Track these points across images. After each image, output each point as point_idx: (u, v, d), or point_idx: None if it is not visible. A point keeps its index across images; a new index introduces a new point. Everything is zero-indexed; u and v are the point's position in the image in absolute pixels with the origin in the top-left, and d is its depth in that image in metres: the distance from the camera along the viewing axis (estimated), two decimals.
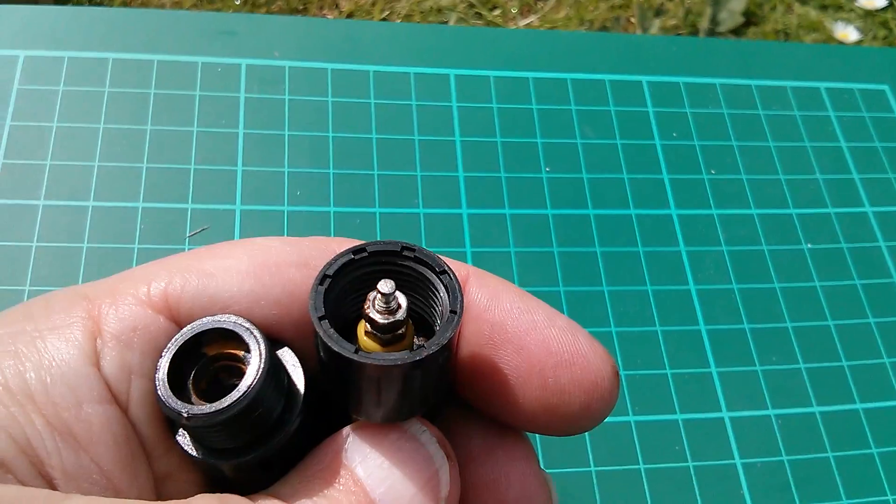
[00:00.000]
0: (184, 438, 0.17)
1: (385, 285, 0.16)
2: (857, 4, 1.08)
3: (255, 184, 0.33)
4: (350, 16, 1.05)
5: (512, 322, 0.18)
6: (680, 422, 0.31)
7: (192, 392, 0.17)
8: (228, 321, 0.17)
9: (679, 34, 1.06)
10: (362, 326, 0.17)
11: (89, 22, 0.36)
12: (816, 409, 0.33)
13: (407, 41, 0.39)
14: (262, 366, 0.16)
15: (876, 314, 0.36)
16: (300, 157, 0.34)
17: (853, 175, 0.39)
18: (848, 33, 1.00)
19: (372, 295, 0.16)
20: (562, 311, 0.32)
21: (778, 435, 0.32)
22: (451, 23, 1.04)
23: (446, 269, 0.16)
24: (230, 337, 0.17)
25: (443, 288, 0.16)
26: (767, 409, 0.32)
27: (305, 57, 0.37)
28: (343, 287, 0.17)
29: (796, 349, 0.34)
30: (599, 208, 0.35)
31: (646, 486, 0.30)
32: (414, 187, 0.34)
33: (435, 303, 0.17)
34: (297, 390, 0.17)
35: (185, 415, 0.15)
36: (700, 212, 0.36)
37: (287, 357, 0.18)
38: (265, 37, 0.37)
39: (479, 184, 0.35)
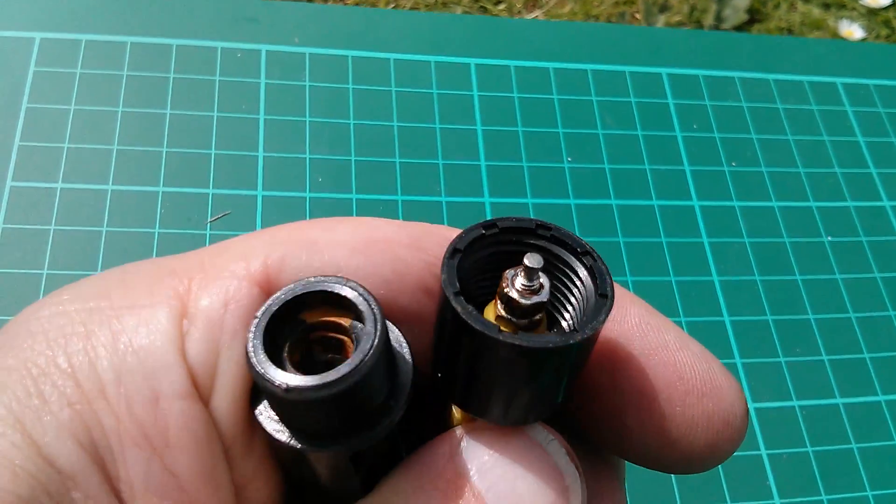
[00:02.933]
0: (268, 420, 0.14)
1: (532, 259, 0.14)
2: (860, 3, 1.08)
3: (276, 170, 0.33)
4: (356, 7, 1.05)
5: (640, 338, 0.16)
6: None
7: (286, 364, 0.14)
8: (339, 283, 0.14)
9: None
10: (492, 310, 0.15)
11: (107, 5, 0.36)
12: (840, 400, 0.33)
13: (427, 30, 0.38)
14: (377, 338, 0.13)
15: None
16: (321, 144, 0.34)
17: (871, 169, 0.39)
18: (853, 31, 1.00)
19: (510, 273, 0.14)
20: None
21: (802, 426, 0.32)
22: None
23: (588, 249, 0.14)
24: (337, 303, 0.14)
25: (585, 271, 0.15)
26: (792, 400, 0.32)
27: (326, 44, 0.36)
28: (471, 265, 0.15)
29: (819, 341, 0.34)
30: (622, 198, 0.35)
31: (673, 478, 0.30)
32: (436, 175, 0.34)
33: (572, 289, 0.15)
34: (405, 376, 0.15)
35: (284, 387, 0.13)
36: (722, 203, 0.36)
37: (396, 338, 0.16)
38: (285, 23, 0.37)
39: (501, 173, 0.35)
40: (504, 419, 0.15)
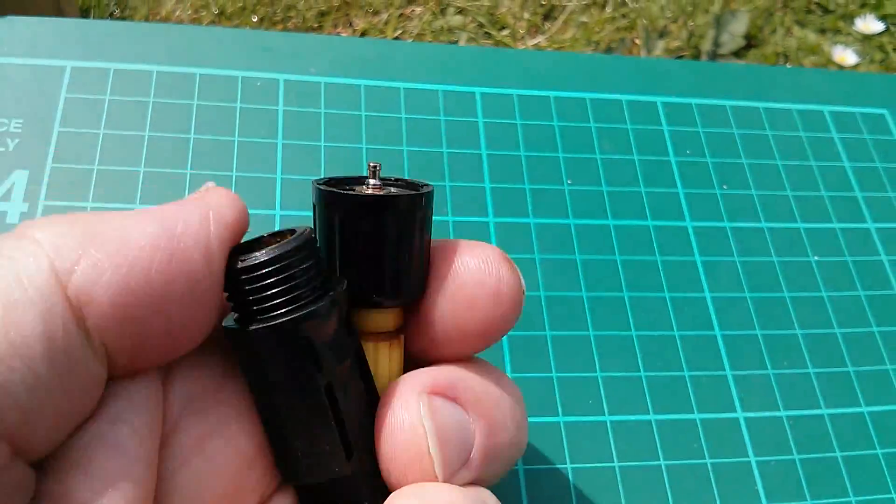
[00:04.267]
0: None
1: (373, 163, 0.20)
2: (854, 29, 1.11)
3: (293, 191, 0.35)
4: (364, 34, 1.08)
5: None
6: (697, 421, 0.33)
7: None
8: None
9: (682, 55, 1.09)
10: None
11: (135, 36, 0.38)
12: (825, 410, 0.34)
13: (436, 60, 0.41)
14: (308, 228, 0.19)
15: (879, 323, 0.37)
16: (336, 167, 0.36)
17: (856, 193, 0.41)
18: (846, 56, 1.03)
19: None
20: (585, 318, 0.34)
21: (789, 434, 0.34)
22: (462, 42, 1.06)
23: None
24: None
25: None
26: (779, 410, 0.34)
27: (340, 73, 0.39)
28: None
29: (805, 354, 0.36)
30: (619, 219, 0.37)
31: (666, 481, 0.32)
32: (443, 196, 0.36)
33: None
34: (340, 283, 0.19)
35: (258, 259, 0.17)
36: (714, 224, 0.38)
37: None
38: (302, 54, 0.39)
39: (504, 194, 0.37)
40: (406, 291, 0.20)
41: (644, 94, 0.42)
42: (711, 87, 0.43)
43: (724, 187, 0.39)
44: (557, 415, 0.32)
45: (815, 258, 0.39)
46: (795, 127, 0.43)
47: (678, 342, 0.35)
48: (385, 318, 0.21)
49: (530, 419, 0.32)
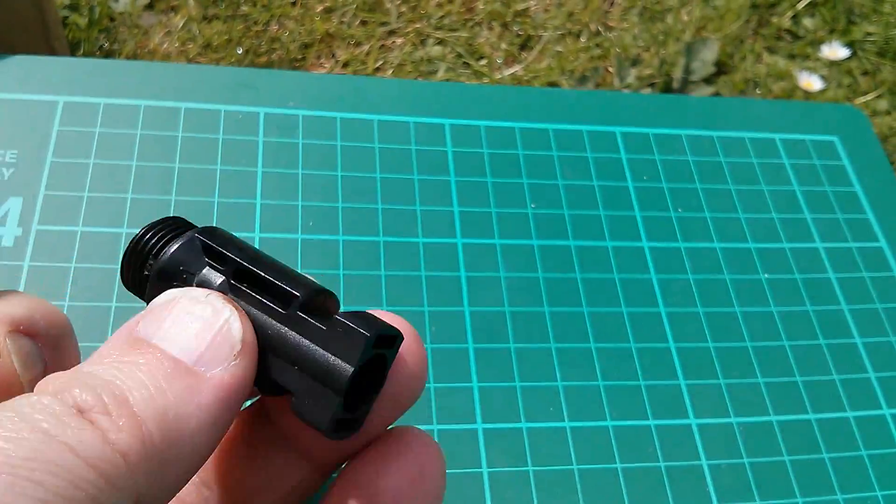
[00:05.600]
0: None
1: None
2: (821, 55, 1.15)
3: (272, 215, 0.37)
4: (346, 65, 1.11)
5: None
6: (652, 427, 0.35)
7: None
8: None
9: (654, 83, 1.13)
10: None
11: (123, 73, 0.41)
12: (773, 417, 0.37)
13: (408, 95, 0.43)
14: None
15: (826, 336, 0.40)
16: (313, 193, 0.38)
17: (805, 215, 0.44)
18: (812, 82, 1.07)
19: None
20: (547, 332, 0.36)
21: (739, 440, 0.36)
22: (441, 72, 1.10)
23: None
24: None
25: None
26: (730, 417, 0.36)
27: (317, 107, 0.41)
28: None
29: (755, 365, 0.38)
30: (579, 240, 0.40)
31: (622, 483, 0.34)
32: (414, 220, 0.39)
33: None
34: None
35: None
36: (669, 244, 0.41)
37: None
38: (281, 89, 0.42)
39: (471, 217, 0.39)
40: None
41: (603, 124, 0.44)
42: (668, 118, 0.46)
43: (679, 210, 0.42)
44: (520, 421, 0.34)
45: (766, 276, 0.41)
46: (748, 154, 0.46)
47: (634, 354, 0.37)
48: None
49: (495, 425, 0.34)
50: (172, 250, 0.20)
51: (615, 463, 0.34)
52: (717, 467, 0.35)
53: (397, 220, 0.39)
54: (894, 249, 0.44)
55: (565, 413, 0.35)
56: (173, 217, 0.21)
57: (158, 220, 0.21)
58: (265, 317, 0.19)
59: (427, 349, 0.35)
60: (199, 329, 0.17)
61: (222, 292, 0.19)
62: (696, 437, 0.35)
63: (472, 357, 0.35)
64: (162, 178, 0.38)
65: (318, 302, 0.20)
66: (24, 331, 0.19)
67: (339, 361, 0.18)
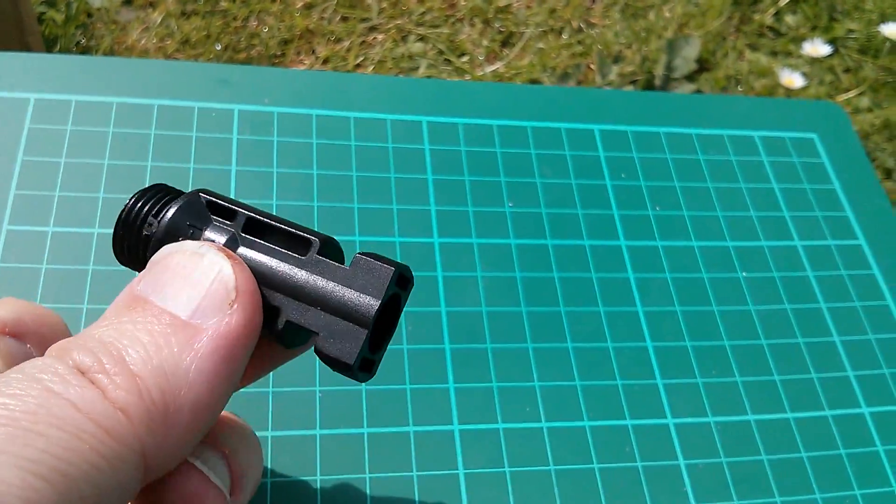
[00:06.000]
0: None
1: None
2: (803, 52, 1.15)
3: None
4: (326, 61, 1.10)
5: None
6: (629, 426, 0.35)
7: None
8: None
9: (636, 80, 1.13)
10: None
11: (95, 70, 0.40)
12: (751, 416, 0.37)
13: (384, 92, 0.43)
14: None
15: (804, 335, 0.40)
16: (288, 192, 0.38)
17: (784, 213, 0.44)
18: (793, 80, 1.07)
19: None
20: (524, 332, 0.36)
21: (717, 439, 0.36)
22: (422, 69, 1.09)
23: None
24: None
25: None
26: (708, 416, 0.36)
27: (293, 104, 0.41)
28: None
29: (733, 364, 0.38)
30: (557, 239, 0.39)
31: (599, 483, 0.33)
32: (390, 219, 0.38)
33: None
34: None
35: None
36: (646, 243, 0.40)
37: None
38: (256, 86, 0.41)
39: (449, 216, 0.39)
40: None
41: (582, 122, 0.44)
42: (647, 116, 0.46)
43: (657, 208, 0.42)
44: (497, 422, 0.34)
45: (744, 274, 0.41)
46: (726, 151, 0.45)
47: (612, 353, 0.37)
48: None
49: (472, 426, 0.34)
50: (174, 210, 0.20)
51: (592, 463, 0.34)
52: (695, 467, 0.35)
53: (374, 219, 0.38)
54: (873, 247, 0.44)
55: (542, 413, 0.34)
56: (159, 184, 0.21)
57: (146, 188, 0.21)
58: (282, 263, 0.19)
59: (403, 350, 0.34)
60: (195, 281, 0.18)
61: (229, 246, 0.19)
62: (674, 436, 0.35)
63: (448, 358, 0.35)
64: (135, 177, 0.37)
65: (333, 247, 0.20)
66: (11, 332, 0.20)
67: (364, 297, 0.18)
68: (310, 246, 0.20)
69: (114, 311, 0.18)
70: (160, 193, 0.21)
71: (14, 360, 0.19)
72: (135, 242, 0.21)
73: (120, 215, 0.21)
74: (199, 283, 0.18)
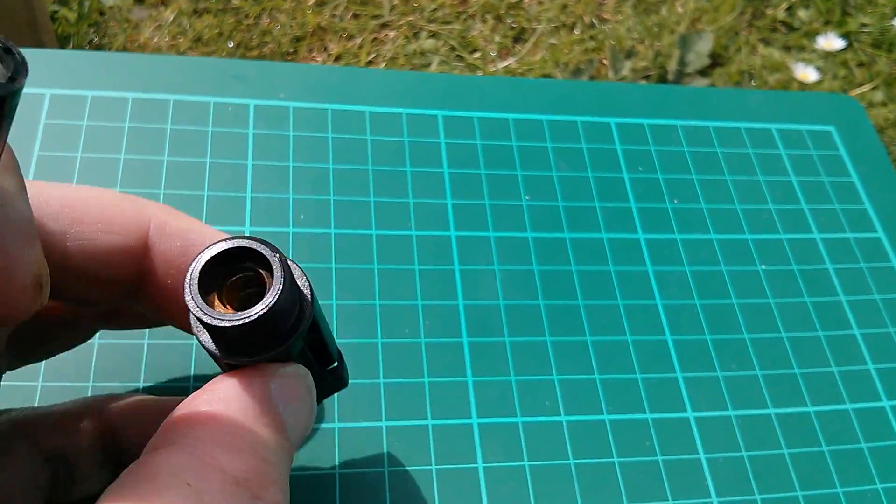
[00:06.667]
0: (203, 335, 0.19)
1: None
2: (817, 46, 1.15)
3: (262, 208, 0.37)
4: (338, 58, 1.10)
5: None
6: (650, 420, 0.35)
7: (216, 301, 0.19)
8: (253, 242, 0.19)
9: (649, 75, 1.12)
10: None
11: (111, 65, 0.40)
12: (772, 410, 0.36)
13: (399, 86, 0.43)
14: (282, 284, 0.18)
15: (824, 328, 0.39)
16: (304, 186, 0.38)
17: (802, 206, 0.43)
18: (808, 74, 1.06)
19: None
20: (542, 325, 0.35)
21: (738, 433, 0.35)
22: (434, 65, 1.09)
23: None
24: (250, 257, 0.19)
25: None
26: (728, 410, 0.36)
27: (308, 99, 0.41)
28: None
29: (753, 357, 0.37)
30: (574, 232, 0.39)
31: (619, 477, 0.33)
32: (407, 212, 0.38)
33: None
34: (307, 303, 0.20)
35: (220, 324, 0.17)
36: (665, 236, 0.40)
37: (299, 275, 0.20)
38: (271, 81, 0.41)
39: (465, 210, 0.39)
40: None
41: (598, 115, 0.44)
42: (663, 109, 0.45)
43: (675, 202, 0.42)
44: (516, 416, 0.34)
45: (763, 267, 0.41)
46: (744, 144, 0.45)
47: (631, 346, 0.36)
48: None
49: (491, 420, 0.33)
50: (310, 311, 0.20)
51: (612, 457, 0.33)
52: (716, 461, 0.34)
53: (390, 212, 0.38)
54: (892, 240, 0.43)
55: (561, 407, 0.34)
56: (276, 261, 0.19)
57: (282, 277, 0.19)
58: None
59: (421, 343, 0.34)
60: (307, 418, 0.20)
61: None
62: (694, 430, 0.35)
63: (466, 351, 0.35)
64: (151, 172, 0.37)
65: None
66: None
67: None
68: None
69: (245, 409, 0.18)
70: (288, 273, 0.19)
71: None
72: (279, 336, 0.19)
73: (276, 304, 0.18)
74: (308, 419, 0.20)
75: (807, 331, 0.39)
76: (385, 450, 0.32)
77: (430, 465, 0.32)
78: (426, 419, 0.33)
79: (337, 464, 0.31)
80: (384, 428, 0.32)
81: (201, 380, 0.32)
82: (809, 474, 0.35)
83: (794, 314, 0.40)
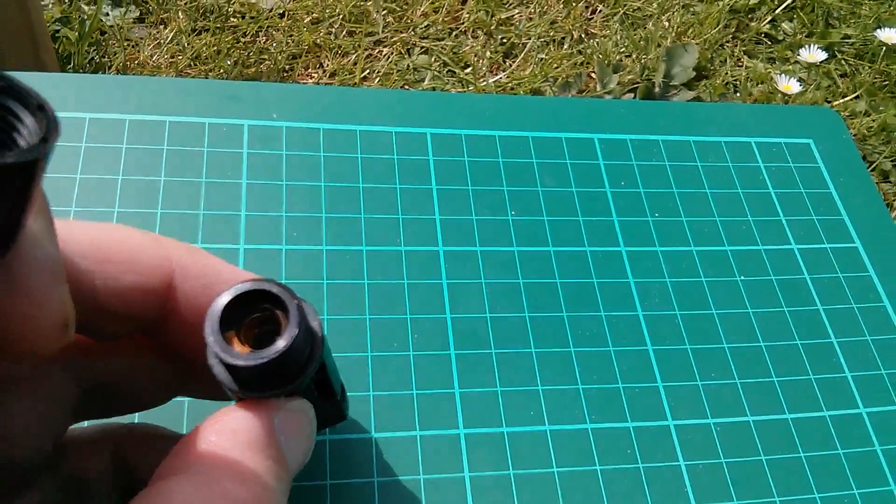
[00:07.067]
0: (218, 367, 0.20)
1: None
2: (800, 58, 1.16)
3: (256, 226, 0.38)
4: (333, 75, 1.12)
5: None
6: (631, 428, 0.36)
7: (234, 340, 0.20)
8: (269, 284, 0.20)
9: (635, 88, 1.14)
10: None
11: (109, 88, 0.41)
12: (750, 417, 0.37)
13: (389, 105, 0.44)
14: (297, 328, 0.19)
15: (802, 337, 0.41)
16: (296, 203, 0.39)
17: (780, 217, 0.45)
18: (791, 85, 1.08)
19: None
20: (527, 336, 0.37)
21: (717, 440, 0.36)
22: (427, 80, 1.11)
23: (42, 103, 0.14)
24: (266, 298, 0.20)
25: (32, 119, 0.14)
26: (708, 417, 0.37)
27: (301, 118, 0.42)
28: None
29: (732, 366, 0.39)
30: (558, 246, 0.40)
31: (602, 485, 0.34)
32: (396, 228, 0.39)
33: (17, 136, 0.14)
34: (318, 343, 0.21)
35: (238, 365, 0.19)
36: (646, 248, 0.41)
37: (310, 312, 0.22)
38: (264, 101, 0.42)
39: (453, 225, 0.40)
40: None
41: (582, 131, 0.45)
42: (645, 124, 0.47)
43: (656, 215, 0.43)
44: (501, 425, 0.35)
45: (742, 278, 0.42)
46: (724, 158, 0.47)
47: (613, 357, 0.38)
48: None
49: (477, 430, 0.35)
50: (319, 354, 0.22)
51: (595, 465, 0.35)
52: (695, 467, 0.36)
53: (380, 229, 0.39)
54: (869, 250, 0.45)
55: (545, 416, 0.35)
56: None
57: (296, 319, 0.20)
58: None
59: (410, 356, 0.35)
60: (307, 447, 0.22)
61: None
62: (674, 437, 0.36)
63: (453, 363, 0.36)
64: (148, 192, 0.38)
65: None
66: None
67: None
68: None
69: (251, 441, 0.20)
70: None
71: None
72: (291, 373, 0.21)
73: (291, 345, 0.19)
74: (307, 451, 0.22)
75: (785, 339, 0.40)
76: (374, 460, 0.33)
77: (419, 474, 0.33)
78: (415, 430, 0.34)
79: (328, 474, 0.32)
80: (374, 439, 0.33)
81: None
82: (787, 480, 0.36)
83: (773, 323, 0.41)
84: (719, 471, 0.36)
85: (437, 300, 0.38)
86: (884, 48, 1.19)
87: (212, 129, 0.41)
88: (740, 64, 1.21)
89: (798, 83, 1.10)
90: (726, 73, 1.18)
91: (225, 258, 0.37)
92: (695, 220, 0.43)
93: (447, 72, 1.16)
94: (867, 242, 0.45)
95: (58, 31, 1.13)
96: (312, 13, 1.20)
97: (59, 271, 0.17)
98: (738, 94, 1.17)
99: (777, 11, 1.26)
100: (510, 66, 1.17)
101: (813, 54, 1.15)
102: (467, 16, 1.22)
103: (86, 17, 1.15)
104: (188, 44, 1.17)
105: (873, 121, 1.15)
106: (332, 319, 0.36)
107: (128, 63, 1.15)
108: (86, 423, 0.27)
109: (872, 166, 1.09)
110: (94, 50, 1.17)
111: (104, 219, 0.37)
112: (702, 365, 0.38)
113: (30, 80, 0.41)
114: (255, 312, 0.20)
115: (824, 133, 0.50)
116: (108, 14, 1.18)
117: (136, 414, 0.29)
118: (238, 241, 0.38)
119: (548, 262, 0.40)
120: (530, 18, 1.24)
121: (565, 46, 1.21)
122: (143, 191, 0.38)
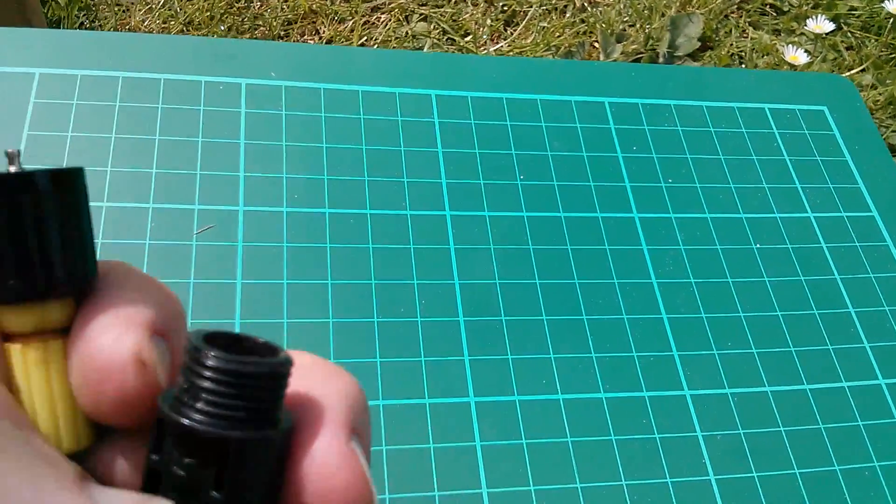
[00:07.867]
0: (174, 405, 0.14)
1: None
2: (806, 29, 1.14)
3: (256, 187, 0.37)
4: (330, 41, 1.10)
5: None
6: (646, 398, 0.35)
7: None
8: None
9: (639, 58, 1.12)
10: None
11: (101, 45, 0.39)
12: (768, 388, 0.36)
13: (392, 66, 0.42)
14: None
15: (819, 307, 0.39)
16: (297, 165, 0.38)
17: (796, 185, 0.43)
18: (798, 56, 1.06)
19: None
20: (538, 304, 0.35)
21: (735, 411, 0.35)
22: (426, 48, 1.09)
23: None
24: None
25: None
26: (725, 388, 0.36)
27: (300, 78, 0.40)
28: None
29: (749, 335, 0.37)
30: (569, 212, 0.39)
31: (617, 455, 0.33)
32: (402, 192, 0.38)
33: None
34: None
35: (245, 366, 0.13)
36: (659, 215, 0.40)
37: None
38: (262, 60, 0.41)
39: (460, 189, 0.39)
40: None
41: (592, 95, 0.44)
42: (657, 89, 0.45)
43: (669, 181, 0.41)
44: (513, 394, 0.34)
45: (758, 246, 0.41)
46: (737, 124, 0.45)
47: (627, 325, 0.36)
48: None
49: (488, 398, 0.33)
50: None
51: (609, 435, 0.33)
52: (713, 438, 0.34)
53: (384, 192, 0.38)
54: (886, 219, 0.44)
55: (558, 385, 0.34)
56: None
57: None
58: None
59: (417, 322, 0.34)
60: None
61: None
62: (691, 407, 0.35)
63: (462, 330, 0.35)
64: (142, 151, 0.37)
65: None
66: (159, 331, 0.16)
67: None
68: None
69: None
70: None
71: (166, 364, 0.16)
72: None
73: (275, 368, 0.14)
74: None
75: (802, 309, 0.39)
76: (383, 429, 0.32)
77: (429, 443, 0.32)
78: (423, 398, 0.33)
79: None
80: (381, 407, 0.32)
81: None
82: (806, 451, 0.35)
83: (790, 293, 0.40)
84: (737, 441, 0.35)
85: (444, 265, 0.36)
86: (891, 20, 1.17)
87: (208, 88, 0.39)
88: (745, 35, 1.18)
89: (805, 54, 1.08)
90: (731, 45, 1.16)
91: (224, 219, 0.36)
92: (709, 186, 0.42)
93: (447, 39, 1.14)
94: (884, 211, 0.44)
95: None
96: None
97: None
98: (743, 66, 1.15)
99: None
100: (511, 34, 1.15)
101: (820, 24, 1.12)
102: None
103: None
104: (180, 8, 1.14)
105: (880, 94, 1.14)
106: (335, 284, 0.35)
107: (118, 28, 1.12)
108: None
109: None
110: (84, 14, 1.14)
111: (96, 178, 0.36)
112: (718, 334, 0.37)
113: (17, 36, 0.39)
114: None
115: (838, 101, 0.48)
116: None
117: None
118: (237, 202, 0.36)
119: (558, 228, 0.39)
120: None
121: (568, 15, 1.18)
122: (138, 150, 0.37)
